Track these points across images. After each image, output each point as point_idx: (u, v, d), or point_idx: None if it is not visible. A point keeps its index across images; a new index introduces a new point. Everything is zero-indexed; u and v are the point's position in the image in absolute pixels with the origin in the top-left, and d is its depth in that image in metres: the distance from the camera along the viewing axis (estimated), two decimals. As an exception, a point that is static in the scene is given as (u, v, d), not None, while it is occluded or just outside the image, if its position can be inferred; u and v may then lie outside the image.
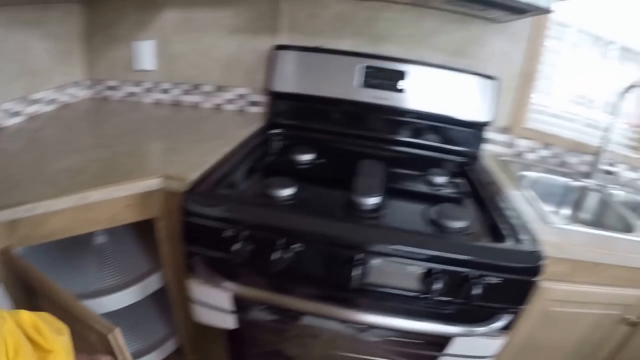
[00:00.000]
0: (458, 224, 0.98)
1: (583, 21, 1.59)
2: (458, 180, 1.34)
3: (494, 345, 1.01)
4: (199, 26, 1.52)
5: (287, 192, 0.99)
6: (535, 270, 0.91)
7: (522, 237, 0.96)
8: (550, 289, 1.07)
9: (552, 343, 1.24)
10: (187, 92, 1.60)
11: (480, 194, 1.22)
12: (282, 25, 1.47)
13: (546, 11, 1.12)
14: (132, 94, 1.64)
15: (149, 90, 1.62)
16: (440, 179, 1.27)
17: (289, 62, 1.42)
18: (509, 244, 0.93)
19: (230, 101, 1.60)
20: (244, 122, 1.49)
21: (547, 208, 1.52)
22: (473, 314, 0.93)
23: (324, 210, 0.98)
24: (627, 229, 1.31)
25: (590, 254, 1.04)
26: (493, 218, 1.07)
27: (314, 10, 1.44)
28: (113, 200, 0.95)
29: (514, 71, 1.53)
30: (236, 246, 0.84)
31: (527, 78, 1.54)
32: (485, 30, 1.46)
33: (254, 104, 1.58)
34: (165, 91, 1.62)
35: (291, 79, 1.42)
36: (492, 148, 1.63)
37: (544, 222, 1.10)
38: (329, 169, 1.27)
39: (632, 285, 1.17)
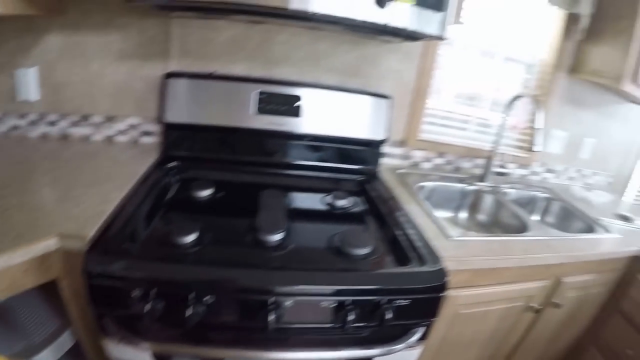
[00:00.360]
0: (362, 251, 1.04)
1: (472, 36, 1.75)
2: (359, 199, 1.41)
3: (413, 354, 1.09)
4: (86, 52, 1.44)
5: (190, 237, 0.98)
6: (441, 287, 0.99)
7: (425, 256, 1.04)
8: (457, 296, 1.17)
9: (466, 338, 1.35)
10: (75, 124, 1.51)
11: (381, 212, 1.30)
12: (173, 50, 1.44)
13: (439, 38, 1.21)
14: (16, 128, 1.51)
15: (34, 123, 1.51)
16: (341, 201, 1.34)
17: (181, 91, 1.39)
18: (413, 265, 1.01)
19: (122, 132, 1.53)
20: (138, 155, 1.43)
21: (446, 215, 1.65)
22: (389, 334, 0.99)
23: (231, 255, 0.99)
24: (521, 225, 1.47)
25: (488, 262, 1.15)
26: (396, 238, 1.14)
27: (206, 35, 1.43)
28: (9, 268, 0.90)
29: (408, 87, 1.63)
30: (147, 306, 0.83)
31: (420, 93, 1.65)
32: (379, 50, 1.54)
33: (147, 134, 1.53)
34: (52, 123, 1.51)
35: (184, 108, 1.40)
36: (390, 161, 1.75)
37: (443, 235, 1.20)
38: (231, 203, 1.27)
39: (531, 279, 1.32)
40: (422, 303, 0.99)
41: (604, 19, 1.75)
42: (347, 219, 1.30)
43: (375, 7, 1.04)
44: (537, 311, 1.44)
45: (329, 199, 1.36)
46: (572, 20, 1.79)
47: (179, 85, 1.39)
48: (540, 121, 1.48)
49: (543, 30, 1.88)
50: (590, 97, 2.08)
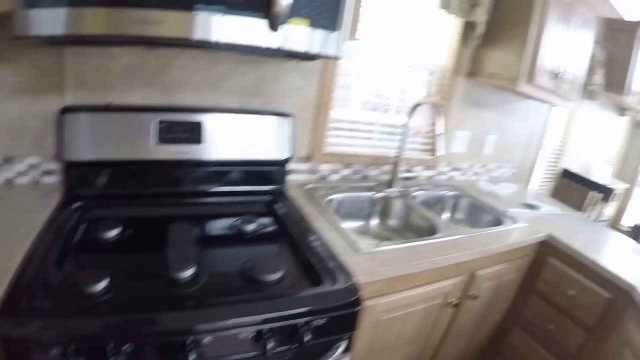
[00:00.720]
0: (274, 276, 1.08)
1: (374, 46, 1.85)
2: (268, 220, 1.45)
3: (341, 367, 1.15)
4: (-23, 89, 1.36)
5: (101, 285, 0.98)
6: (355, 302, 1.06)
7: (336, 274, 1.11)
8: (375, 305, 1.25)
9: (392, 341, 1.44)
10: (-28, 168, 1.43)
11: (291, 232, 1.35)
12: (68, 82, 1.39)
13: (335, 58, 1.28)
14: None
15: None
16: (250, 225, 1.36)
17: (78, 126, 1.35)
18: (325, 284, 1.07)
19: (22, 173, 1.45)
20: (41, 197, 1.38)
21: (357, 224, 1.76)
22: (313, 353, 1.05)
23: (144, 298, 0.99)
24: (432, 226, 1.59)
25: (400, 270, 1.24)
26: (307, 258, 1.20)
27: (101, 63, 1.39)
28: None
29: (310, 103, 1.70)
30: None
31: (322, 107, 1.73)
32: (278, 69, 1.58)
33: (48, 173, 1.47)
34: (-55, 171, 1.41)
35: (84, 144, 1.36)
36: (298, 178, 1.80)
37: (354, 249, 1.27)
38: (140, 241, 1.26)
39: (446, 278, 1.44)
40: (339, 320, 1.06)
41: (500, 25, 1.94)
42: (257, 242, 1.34)
43: (270, 31, 1.10)
44: (456, 305, 1.57)
45: (237, 224, 1.38)
46: (468, 27, 1.96)
47: (76, 120, 1.35)
48: (441, 127, 1.62)
49: (442, 38, 2.04)
50: (491, 98, 2.30)
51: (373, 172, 2.03)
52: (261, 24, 1.09)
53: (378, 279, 1.21)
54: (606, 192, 3.32)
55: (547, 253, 1.84)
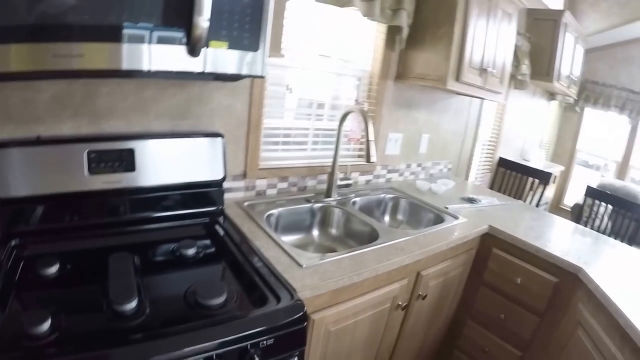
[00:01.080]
0: (218, 300, 1.09)
1: (303, 56, 1.89)
2: (208, 242, 1.47)
3: (297, 381, 1.17)
4: None
5: (45, 326, 0.95)
6: (301, 319, 1.10)
7: (279, 292, 1.14)
8: (322, 317, 1.29)
9: (345, 348, 1.48)
10: None
11: (232, 253, 1.37)
12: None
13: (260, 77, 1.31)
14: None
15: None
16: (190, 250, 1.36)
17: (8, 162, 1.31)
18: (270, 304, 1.10)
19: None
20: None
21: (299, 237, 1.79)
22: None
23: (90, 335, 0.99)
24: (373, 231, 1.65)
25: (344, 280, 1.28)
26: (250, 278, 1.22)
27: (26, 96, 1.35)
28: None
29: (241, 119, 1.72)
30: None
31: (253, 123, 1.75)
32: (206, 89, 1.58)
33: None
34: None
35: (15, 180, 1.32)
36: (235, 196, 1.81)
37: (296, 264, 1.31)
38: (81, 275, 1.24)
39: (391, 282, 1.49)
40: (287, 337, 1.09)
41: (424, 27, 2.03)
42: (199, 266, 1.35)
43: (191, 55, 1.12)
44: (405, 307, 1.63)
45: (178, 249, 1.38)
46: (393, 32, 2.04)
47: (5, 156, 1.31)
48: (371, 133, 1.67)
49: (368, 44, 2.12)
50: (421, 98, 2.40)
51: (310, 182, 2.07)
52: (183, 49, 1.11)
53: (323, 292, 1.25)
54: (544, 177, 3.50)
55: (490, 244, 1.94)
